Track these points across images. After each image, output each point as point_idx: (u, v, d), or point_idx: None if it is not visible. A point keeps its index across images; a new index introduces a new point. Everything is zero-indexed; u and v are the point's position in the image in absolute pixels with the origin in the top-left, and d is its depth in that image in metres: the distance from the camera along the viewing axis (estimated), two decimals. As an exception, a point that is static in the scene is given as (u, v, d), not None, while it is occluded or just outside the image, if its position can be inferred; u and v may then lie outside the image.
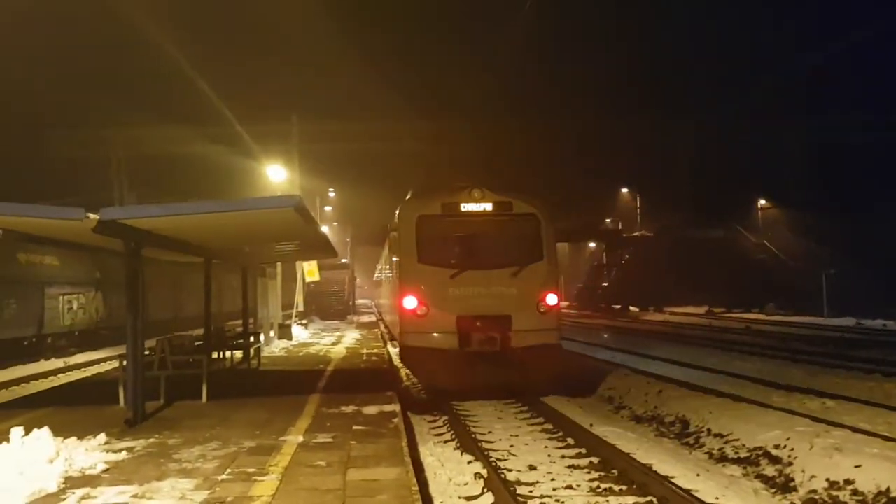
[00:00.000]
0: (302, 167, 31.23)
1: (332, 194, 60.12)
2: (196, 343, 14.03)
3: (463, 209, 14.44)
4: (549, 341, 13.88)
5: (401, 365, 18.46)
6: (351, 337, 27.48)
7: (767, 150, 50.49)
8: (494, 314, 13.74)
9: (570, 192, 64.54)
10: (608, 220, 69.71)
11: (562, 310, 16.85)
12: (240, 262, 17.87)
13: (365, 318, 46.20)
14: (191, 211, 9.13)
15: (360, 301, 74.64)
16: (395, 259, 16.40)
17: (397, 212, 15.38)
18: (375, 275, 46.54)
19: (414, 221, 14.53)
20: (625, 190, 70.49)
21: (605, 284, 60.52)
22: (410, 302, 14.06)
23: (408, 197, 16.47)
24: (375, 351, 20.86)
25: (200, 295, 14.97)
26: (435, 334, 13.82)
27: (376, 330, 32.25)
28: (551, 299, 14.16)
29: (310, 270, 29.33)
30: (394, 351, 20.71)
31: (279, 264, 26.39)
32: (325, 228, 34.41)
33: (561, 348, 14.60)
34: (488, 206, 14.45)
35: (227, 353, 15.42)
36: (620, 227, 66.78)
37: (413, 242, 14.44)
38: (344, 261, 52.17)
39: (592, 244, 72.94)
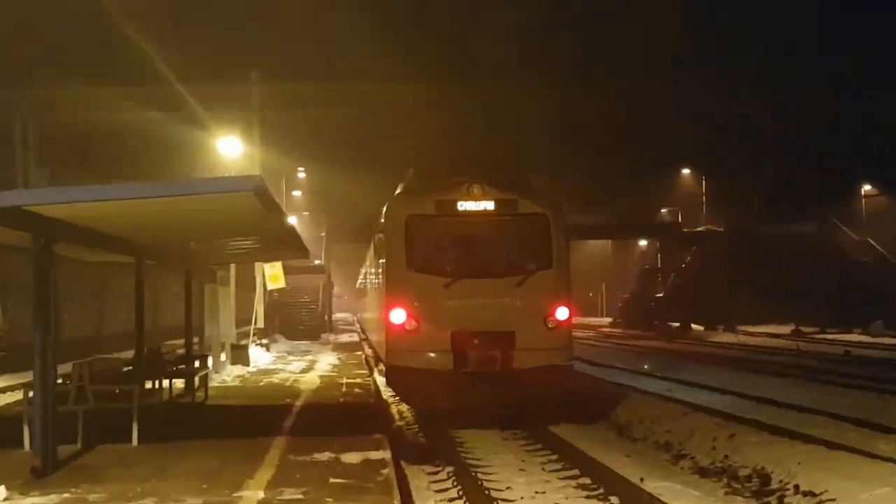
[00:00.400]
0: (264, 140, 31.30)
1: (301, 175, 60.33)
2: (125, 369, 14.06)
3: (460, 208, 15.41)
4: (558, 361, 15.01)
5: (391, 400, 18.50)
6: (326, 362, 27.54)
7: (867, 124, 50.95)
8: (495, 330, 14.87)
9: (614, 174, 64.68)
10: (664, 210, 69.57)
11: (576, 325, 18.16)
12: (183, 264, 17.90)
13: (345, 338, 46.23)
14: (119, 195, 9.11)
15: (338, 315, 74.85)
16: (380, 265, 16.85)
17: (384, 210, 16.20)
18: (358, 282, 46.61)
19: (403, 222, 15.50)
20: (686, 171, 70.49)
21: (660, 295, 60.50)
22: (398, 315, 15.11)
23: (397, 192, 17.23)
24: (358, 381, 20.91)
25: (130, 306, 14.99)
26: (426, 353, 14.93)
27: (359, 353, 32.31)
28: (562, 313, 15.28)
29: (273, 275, 29.34)
30: (382, 380, 20.75)
31: (233, 266, 26.42)
32: (292, 220, 34.57)
33: (572, 369, 15.71)
34: (490, 205, 15.41)
35: (166, 383, 15.45)
36: (680, 219, 66.69)
37: (402, 246, 15.43)
38: (317, 262, 52.29)
39: (643, 242, 73.00)
